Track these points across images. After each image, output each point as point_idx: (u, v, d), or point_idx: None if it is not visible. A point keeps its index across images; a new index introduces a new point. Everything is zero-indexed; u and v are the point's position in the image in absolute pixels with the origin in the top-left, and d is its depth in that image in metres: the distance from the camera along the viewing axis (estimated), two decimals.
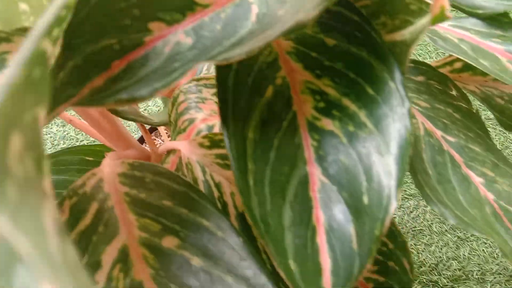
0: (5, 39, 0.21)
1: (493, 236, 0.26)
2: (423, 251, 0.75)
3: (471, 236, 0.77)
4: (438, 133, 0.31)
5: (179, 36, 0.20)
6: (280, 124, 0.23)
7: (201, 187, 0.29)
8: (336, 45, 0.25)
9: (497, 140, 0.88)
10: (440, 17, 0.21)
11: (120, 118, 0.34)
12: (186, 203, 0.23)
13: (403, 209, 0.80)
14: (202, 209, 0.23)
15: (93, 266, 0.21)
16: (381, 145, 0.22)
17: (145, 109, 0.94)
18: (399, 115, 0.22)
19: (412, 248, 0.76)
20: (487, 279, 0.73)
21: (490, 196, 0.29)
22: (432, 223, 0.78)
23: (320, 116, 0.23)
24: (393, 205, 0.20)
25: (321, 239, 0.21)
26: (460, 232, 0.77)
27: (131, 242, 0.22)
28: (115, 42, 0.19)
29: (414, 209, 0.79)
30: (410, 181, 0.82)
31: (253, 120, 0.22)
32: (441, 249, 0.76)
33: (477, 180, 0.29)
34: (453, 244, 0.76)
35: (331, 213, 0.21)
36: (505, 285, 0.72)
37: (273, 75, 0.24)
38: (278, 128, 0.23)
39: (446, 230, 0.77)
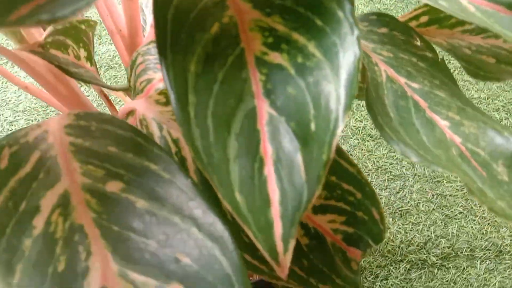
0: None
1: (459, 174, 0.26)
2: (410, 230, 0.74)
3: (459, 214, 0.76)
4: (402, 80, 0.30)
5: None
6: (226, 59, 0.22)
7: (158, 143, 0.28)
8: None
9: None
10: None
11: (79, 85, 0.33)
12: (131, 148, 0.22)
13: (389, 189, 0.79)
14: (148, 153, 0.22)
15: (31, 211, 0.20)
16: (330, 73, 0.21)
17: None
18: (349, 43, 0.21)
19: (400, 228, 0.75)
20: (476, 255, 0.72)
21: (457, 139, 0.28)
22: (419, 203, 0.77)
23: (269, 50, 0.22)
24: (340, 127, 0.19)
25: (269, 170, 0.20)
26: (447, 210, 0.76)
27: (73, 188, 0.21)
28: None
29: (400, 189, 0.79)
30: (396, 161, 0.81)
31: (195, 54, 0.21)
32: (429, 227, 0.75)
33: (442, 123, 0.29)
34: (441, 222, 0.75)
35: (279, 144, 0.20)
36: (495, 260, 0.71)
37: (220, 14, 0.23)
38: (223, 62, 0.22)
39: (433, 209, 0.76)
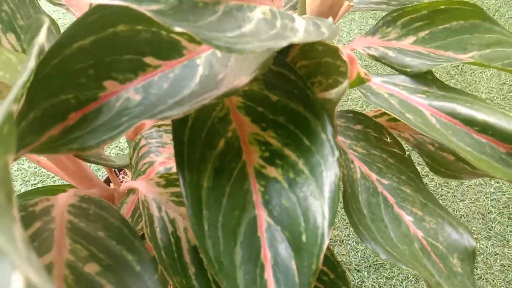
0: None
1: (419, 269, 0.30)
2: (384, 284, 0.79)
3: None
4: (373, 176, 0.35)
5: (130, 93, 0.23)
6: (231, 173, 0.26)
7: (156, 223, 0.31)
8: (278, 100, 0.29)
9: None
10: (358, 81, 0.26)
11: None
12: (116, 235, 0.26)
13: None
14: (129, 244, 0.26)
15: None
16: (315, 189, 0.25)
17: (116, 146, 0.96)
18: (330, 163, 0.26)
19: (374, 282, 0.79)
20: None
21: (419, 234, 0.33)
22: None
23: (266, 164, 0.26)
24: (326, 242, 0.23)
25: (269, 274, 0.23)
26: None
27: (57, 261, 0.24)
28: (72, 97, 0.22)
29: None
30: None
31: (207, 170, 0.25)
32: (402, 282, 0.79)
33: (407, 219, 0.33)
34: (412, 278, 0.80)
35: (276, 251, 0.24)
36: None
37: (225, 129, 0.28)
38: (229, 176, 0.26)
39: None
